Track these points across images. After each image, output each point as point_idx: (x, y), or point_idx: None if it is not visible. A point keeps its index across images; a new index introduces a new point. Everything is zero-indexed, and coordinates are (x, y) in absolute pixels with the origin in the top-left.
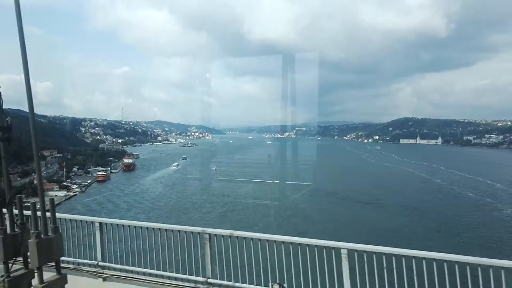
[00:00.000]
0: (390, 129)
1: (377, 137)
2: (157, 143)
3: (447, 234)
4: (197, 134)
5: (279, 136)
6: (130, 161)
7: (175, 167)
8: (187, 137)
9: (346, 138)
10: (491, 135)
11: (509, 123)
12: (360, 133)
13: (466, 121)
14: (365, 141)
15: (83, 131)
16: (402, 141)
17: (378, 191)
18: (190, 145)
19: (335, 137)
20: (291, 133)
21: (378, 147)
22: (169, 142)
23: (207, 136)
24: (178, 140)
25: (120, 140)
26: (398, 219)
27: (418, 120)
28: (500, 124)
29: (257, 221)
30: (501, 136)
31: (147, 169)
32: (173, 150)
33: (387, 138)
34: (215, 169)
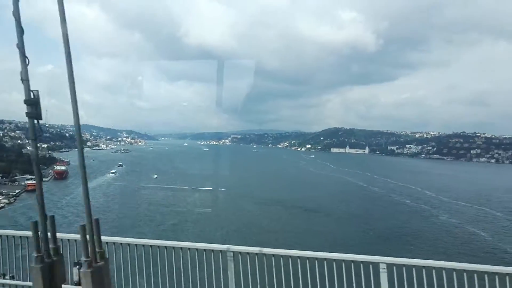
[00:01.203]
0: (321, 138)
1: (309, 146)
2: (86, 149)
3: (398, 241)
4: (129, 139)
5: (214, 143)
6: (63, 168)
7: (113, 174)
8: (118, 143)
9: (279, 146)
10: (411, 146)
11: (425, 134)
12: (293, 142)
13: (389, 132)
14: (298, 149)
15: (1, 134)
16: (333, 150)
17: (324, 200)
18: (123, 151)
19: (270, 145)
20: (226, 140)
21: (313, 156)
22: (100, 148)
23: (140, 142)
24: (109, 146)
25: (45, 145)
26: (349, 228)
27: (347, 130)
28: (418, 136)
29: (215, 231)
30: (420, 147)
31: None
32: (105, 157)
33: (319, 147)
34: (156, 177)
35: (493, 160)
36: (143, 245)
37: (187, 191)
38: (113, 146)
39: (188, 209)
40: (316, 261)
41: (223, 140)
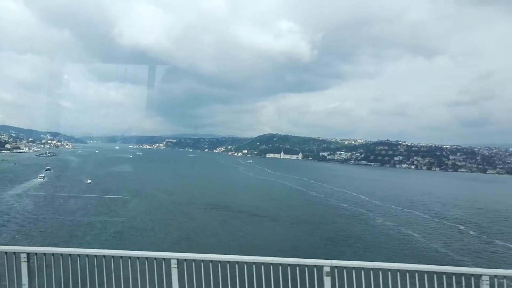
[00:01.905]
0: (257, 144)
1: (246, 151)
2: (5, 152)
3: (344, 244)
4: (54, 142)
5: (147, 147)
6: None
7: (42, 179)
8: (42, 146)
9: (216, 151)
10: (341, 152)
11: (353, 142)
12: (229, 147)
13: (320, 139)
14: (235, 154)
15: None
16: (268, 155)
17: (267, 204)
18: (49, 154)
19: (206, 150)
20: (161, 144)
21: (251, 161)
22: (21, 151)
23: (67, 144)
24: (32, 148)
25: None
26: (296, 232)
27: (282, 137)
28: (347, 143)
29: (162, 239)
30: (349, 153)
31: (2, 182)
32: (28, 160)
33: (255, 152)
34: (90, 182)
35: (413, 166)
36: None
37: (125, 197)
38: (37, 149)
39: (130, 216)
40: (263, 266)
41: (157, 144)
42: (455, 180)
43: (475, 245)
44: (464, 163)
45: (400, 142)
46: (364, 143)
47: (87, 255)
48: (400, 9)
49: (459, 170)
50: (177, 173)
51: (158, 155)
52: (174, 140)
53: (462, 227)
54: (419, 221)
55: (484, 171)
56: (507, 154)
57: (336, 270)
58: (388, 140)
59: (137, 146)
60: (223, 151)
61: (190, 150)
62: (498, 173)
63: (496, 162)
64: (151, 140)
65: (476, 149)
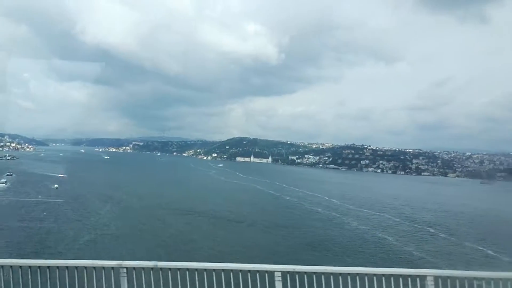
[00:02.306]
0: (227, 147)
1: (215, 155)
2: None
3: (323, 249)
4: (14, 145)
5: (114, 150)
6: None
7: (3, 184)
8: (0, 148)
9: (185, 154)
10: (310, 156)
11: (320, 145)
12: (198, 150)
13: (289, 142)
14: (204, 158)
15: None
16: (238, 159)
17: (243, 209)
18: (8, 158)
19: (174, 153)
20: (127, 147)
21: (221, 165)
22: None
23: (28, 147)
24: None
25: None
26: (275, 237)
27: (251, 140)
28: (314, 146)
29: (140, 246)
30: (317, 157)
31: None
32: None
33: (225, 156)
34: (57, 188)
35: (379, 170)
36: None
37: (95, 202)
38: None
39: (102, 222)
40: (214, 272)
41: (123, 147)
42: (420, 183)
43: (446, 247)
44: (426, 166)
45: (366, 146)
46: (331, 147)
47: (48, 267)
48: (362, 16)
49: (422, 173)
50: (148, 177)
51: (125, 158)
52: (142, 143)
53: (432, 230)
54: (391, 225)
55: (445, 174)
56: (464, 158)
57: (288, 276)
58: (354, 144)
59: (103, 149)
60: (192, 154)
61: (158, 154)
62: (458, 176)
63: (455, 165)
64: (117, 143)
65: (437, 153)
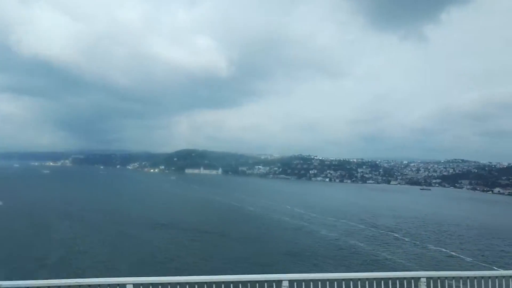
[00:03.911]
0: (175, 159)
1: (163, 167)
2: None
3: (303, 257)
4: None
5: (51, 164)
6: None
7: None
8: None
9: (129, 167)
10: (260, 167)
11: (269, 156)
12: (144, 163)
13: (238, 154)
14: (151, 170)
15: None
16: (187, 170)
17: (208, 220)
18: None
19: (118, 166)
20: (66, 161)
21: (174, 177)
22: None
23: None
24: None
25: None
26: (249, 248)
27: (200, 152)
28: (263, 157)
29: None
30: (267, 167)
31: None
32: None
33: (173, 168)
34: (1, 205)
35: (327, 179)
36: None
37: (51, 218)
38: None
39: (68, 238)
40: (223, 285)
41: (62, 161)
42: (369, 190)
43: (415, 250)
44: (370, 175)
45: (313, 157)
46: (279, 157)
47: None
48: (310, 33)
49: (367, 181)
50: (99, 192)
51: (67, 173)
52: (82, 156)
53: (396, 235)
54: (358, 231)
55: (388, 182)
56: (402, 166)
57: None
58: (301, 154)
59: (40, 163)
60: (138, 167)
61: (102, 167)
62: (399, 183)
63: (396, 173)
64: (54, 156)
65: (378, 162)
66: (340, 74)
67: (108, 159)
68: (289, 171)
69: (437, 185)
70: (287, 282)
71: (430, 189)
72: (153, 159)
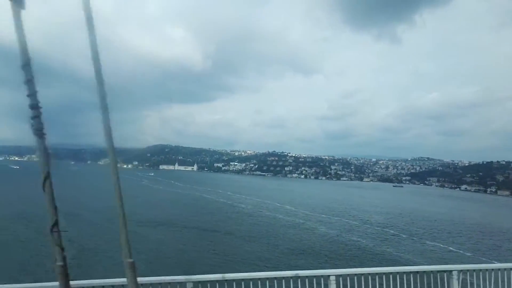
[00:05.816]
0: (148, 155)
1: (136, 163)
2: None
3: (312, 254)
4: None
5: (17, 159)
6: None
7: None
8: None
9: (101, 163)
10: (235, 163)
11: (242, 153)
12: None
13: (212, 150)
14: (124, 166)
15: None
16: (162, 166)
17: (205, 218)
18: None
19: (88, 162)
20: (33, 155)
21: (152, 174)
22: None
23: None
24: None
25: None
26: (259, 245)
27: (173, 148)
28: (237, 154)
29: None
30: (243, 164)
31: None
32: None
33: (147, 164)
34: None
35: (302, 176)
36: None
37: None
38: None
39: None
40: (284, 280)
41: (28, 156)
42: (347, 187)
43: (417, 246)
44: (343, 172)
45: (288, 154)
46: (253, 154)
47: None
48: (282, 29)
49: (341, 178)
50: (81, 188)
51: (36, 168)
52: (50, 151)
53: (392, 231)
54: (354, 228)
55: (361, 179)
56: (371, 164)
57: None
58: (274, 151)
59: (4, 158)
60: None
61: (72, 163)
62: (372, 180)
63: (367, 171)
64: (19, 150)
65: (348, 159)
66: (311, 71)
67: (78, 154)
68: (265, 167)
69: (407, 182)
70: (334, 277)
71: (402, 186)
72: (125, 155)
